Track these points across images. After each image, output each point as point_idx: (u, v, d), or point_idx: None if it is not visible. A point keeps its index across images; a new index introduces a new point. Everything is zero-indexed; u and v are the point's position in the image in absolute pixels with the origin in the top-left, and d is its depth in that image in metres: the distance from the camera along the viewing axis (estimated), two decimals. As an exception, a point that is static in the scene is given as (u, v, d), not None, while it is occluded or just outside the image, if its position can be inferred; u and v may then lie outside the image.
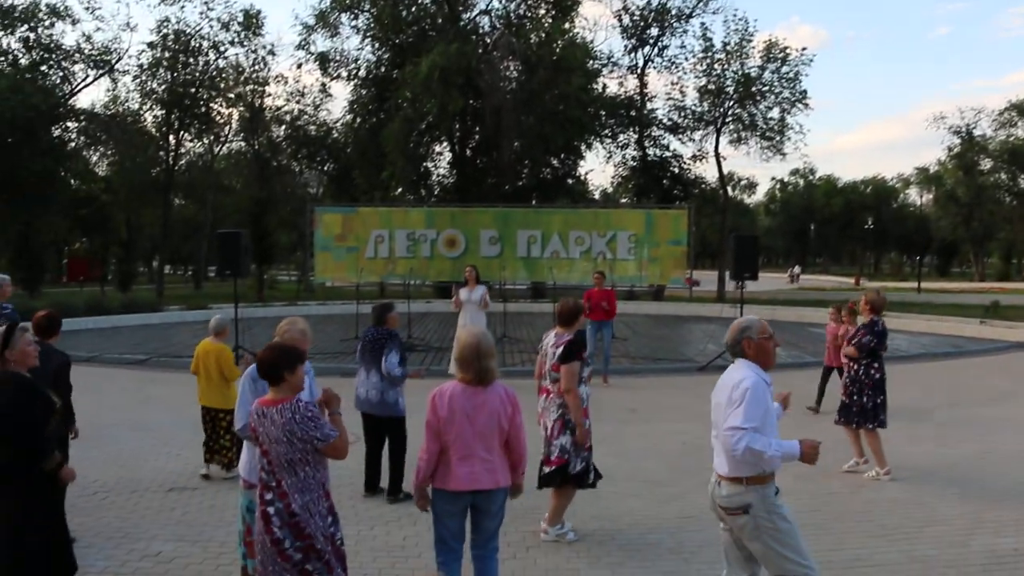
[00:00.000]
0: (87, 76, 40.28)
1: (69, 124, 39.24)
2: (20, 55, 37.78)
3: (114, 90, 58.15)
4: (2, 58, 36.86)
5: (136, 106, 42.28)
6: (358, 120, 41.68)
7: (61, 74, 39.73)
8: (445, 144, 40.47)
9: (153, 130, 42.97)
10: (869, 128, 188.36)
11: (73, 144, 39.51)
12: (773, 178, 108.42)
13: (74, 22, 40.39)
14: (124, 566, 6.11)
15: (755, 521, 4.33)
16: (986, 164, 65.19)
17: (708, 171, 53.37)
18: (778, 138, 40.89)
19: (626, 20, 40.58)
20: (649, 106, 42.47)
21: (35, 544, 4.80)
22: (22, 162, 33.52)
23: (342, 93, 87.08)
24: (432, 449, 4.91)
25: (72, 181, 40.82)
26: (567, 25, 36.77)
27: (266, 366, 4.50)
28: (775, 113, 40.63)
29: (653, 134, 42.47)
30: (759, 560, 4.46)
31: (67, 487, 5.22)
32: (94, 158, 45.18)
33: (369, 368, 7.80)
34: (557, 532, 6.72)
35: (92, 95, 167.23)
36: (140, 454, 9.58)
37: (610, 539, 6.75)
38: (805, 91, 39.92)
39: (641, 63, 41.65)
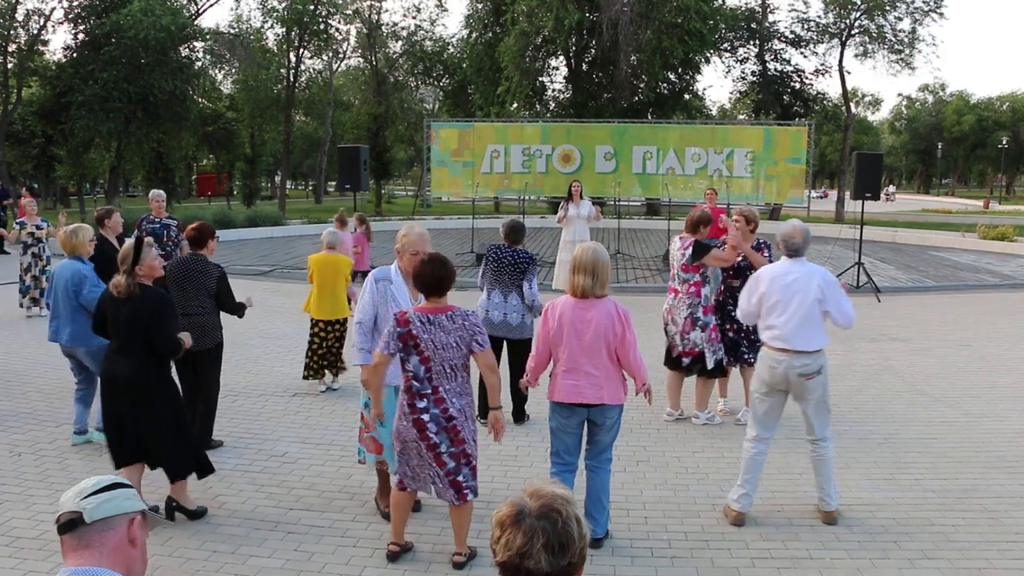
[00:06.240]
0: (211, -5, 41.09)
1: (196, 44, 40.17)
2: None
3: (237, 9, 58.89)
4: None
5: (258, 25, 43.06)
6: (474, 35, 41.42)
7: (188, -6, 40.66)
8: (561, 59, 39.74)
9: (274, 48, 43.74)
10: (1010, 38, 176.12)
11: (200, 64, 40.50)
12: (899, 94, 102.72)
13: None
14: (253, 464, 6.52)
15: (824, 378, 5.47)
16: None
17: (831, 87, 51.08)
18: (908, 51, 38.00)
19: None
20: (771, 18, 40.59)
21: (177, 437, 5.45)
22: (155, 82, 34.71)
23: (458, 8, 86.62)
24: (542, 356, 5.17)
25: (199, 100, 41.97)
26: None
27: (432, 279, 4.71)
28: (906, 24, 37.59)
29: (774, 48, 40.53)
30: (813, 411, 5.53)
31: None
32: (219, 77, 46.41)
33: (507, 291, 7.57)
34: (707, 417, 7.72)
35: (216, 15, 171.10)
36: (266, 360, 10.12)
37: (720, 456, 6.80)
38: (940, -2, 36.81)
39: (763, -28, 39.73)
